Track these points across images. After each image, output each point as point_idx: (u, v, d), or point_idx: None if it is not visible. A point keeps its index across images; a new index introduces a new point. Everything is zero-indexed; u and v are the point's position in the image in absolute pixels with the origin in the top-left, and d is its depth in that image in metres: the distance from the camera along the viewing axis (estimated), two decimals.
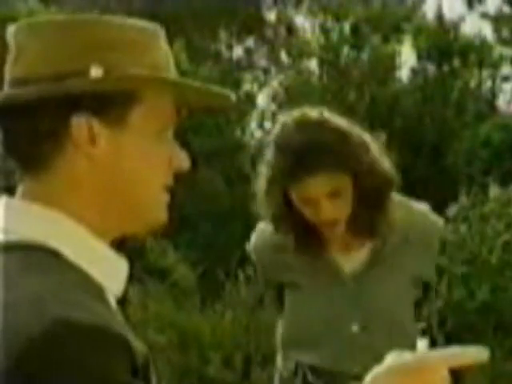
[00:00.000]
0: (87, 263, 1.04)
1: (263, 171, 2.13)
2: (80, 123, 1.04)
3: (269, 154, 2.09)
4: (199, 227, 7.64)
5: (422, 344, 1.39)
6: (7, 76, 1.09)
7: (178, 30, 9.82)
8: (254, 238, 2.27)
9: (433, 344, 1.42)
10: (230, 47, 12.93)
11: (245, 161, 9.05)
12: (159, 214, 1.13)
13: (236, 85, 10.31)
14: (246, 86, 11.42)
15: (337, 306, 2.14)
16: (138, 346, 0.98)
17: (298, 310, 2.20)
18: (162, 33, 1.13)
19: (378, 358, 2.06)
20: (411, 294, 2.15)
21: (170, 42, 1.15)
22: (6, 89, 1.08)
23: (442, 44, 10.16)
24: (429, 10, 11.67)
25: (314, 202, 2.03)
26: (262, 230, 2.26)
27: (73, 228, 1.05)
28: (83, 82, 1.03)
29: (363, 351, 2.08)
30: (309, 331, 2.17)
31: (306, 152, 1.98)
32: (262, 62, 12.25)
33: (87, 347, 0.92)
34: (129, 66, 1.06)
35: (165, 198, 1.13)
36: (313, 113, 2.07)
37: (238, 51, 12.80)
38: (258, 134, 10.55)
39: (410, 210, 2.20)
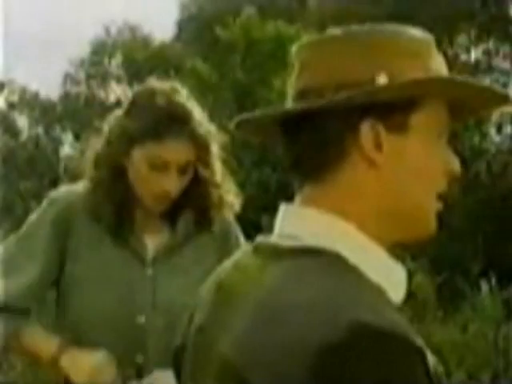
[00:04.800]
0: (368, 270, 1.02)
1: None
2: (367, 129, 1.04)
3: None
4: None
5: None
6: (290, 91, 1.11)
7: None
8: (58, 195, 2.05)
9: None
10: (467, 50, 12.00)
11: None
12: (431, 223, 1.10)
13: None
14: None
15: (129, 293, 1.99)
16: (428, 354, 0.92)
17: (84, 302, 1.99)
18: (433, 41, 1.12)
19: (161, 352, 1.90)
20: None
21: None
22: (290, 102, 1.11)
23: None
24: None
25: (165, 169, 1.92)
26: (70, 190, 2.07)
27: (354, 234, 1.04)
28: (371, 90, 1.03)
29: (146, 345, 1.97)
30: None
31: (173, 115, 1.93)
32: (505, 65, 11.55)
33: (388, 356, 0.87)
34: (409, 72, 1.05)
35: (438, 206, 1.10)
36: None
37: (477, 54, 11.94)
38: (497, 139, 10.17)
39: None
